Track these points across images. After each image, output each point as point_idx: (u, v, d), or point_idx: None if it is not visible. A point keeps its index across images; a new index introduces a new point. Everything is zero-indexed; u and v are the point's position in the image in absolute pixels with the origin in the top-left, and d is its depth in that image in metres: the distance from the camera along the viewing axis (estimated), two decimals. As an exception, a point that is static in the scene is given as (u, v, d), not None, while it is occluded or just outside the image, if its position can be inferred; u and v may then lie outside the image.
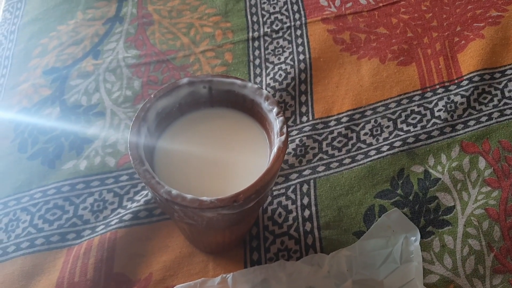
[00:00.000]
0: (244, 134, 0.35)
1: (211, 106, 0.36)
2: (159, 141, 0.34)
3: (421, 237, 0.40)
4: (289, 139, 0.46)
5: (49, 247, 0.41)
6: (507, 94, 0.47)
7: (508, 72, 0.49)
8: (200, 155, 0.34)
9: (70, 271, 0.39)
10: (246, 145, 0.35)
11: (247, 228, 0.39)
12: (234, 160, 0.34)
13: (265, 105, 0.33)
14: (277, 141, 0.32)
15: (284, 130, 0.32)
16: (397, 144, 0.45)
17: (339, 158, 0.45)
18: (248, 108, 0.35)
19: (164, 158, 0.34)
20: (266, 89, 0.49)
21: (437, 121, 0.46)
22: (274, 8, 0.55)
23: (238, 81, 0.34)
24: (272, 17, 0.54)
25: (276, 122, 0.33)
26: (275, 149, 0.31)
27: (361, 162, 0.45)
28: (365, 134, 0.46)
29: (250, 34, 0.53)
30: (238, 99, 0.35)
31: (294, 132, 0.47)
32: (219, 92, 0.35)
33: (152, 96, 0.33)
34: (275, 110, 0.33)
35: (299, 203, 0.43)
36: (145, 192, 0.43)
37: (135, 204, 0.42)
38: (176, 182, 0.32)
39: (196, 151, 0.34)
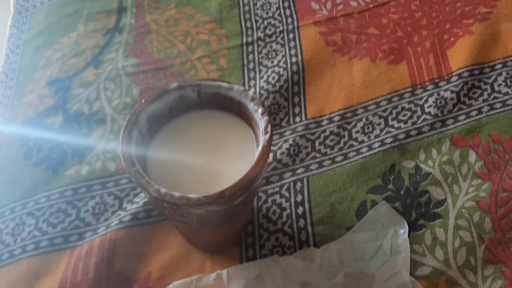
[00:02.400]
0: (232, 134, 0.36)
1: (201, 108, 0.37)
2: (151, 143, 0.36)
3: (413, 231, 0.41)
4: (283, 139, 0.48)
5: (53, 249, 0.42)
6: (496, 88, 0.48)
7: (498, 66, 0.49)
8: (191, 156, 0.36)
9: (72, 271, 0.41)
10: (235, 145, 0.36)
11: (240, 226, 0.41)
12: (223, 159, 0.35)
13: (251, 106, 0.35)
14: (262, 140, 0.33)
15: (269, 129, 0.33)
16: (388, 140, 0.46)
17: (332, 156, 0.46)
18: (236, 109, 0.36)
19: (156, 160, 0.35)
20: (260, 92, 0.51)
21: (428, 117, 0.47)
22: (267, 13, 0.56)
23: (225, 84, 0.36)
24: (265, 22, 0.56)
25: (261, 122, 0.34)
26: (259, 148, 0.33)
27: (353, 159, 0.46)
28: (357, 132, 0.47)
29: (244, 39, 0.55)
30: (226, 101, 0.36)
31: (288, 132, 0.48)
32: (207, 95, 0.36)
33: (143, 100, 0.35)
34: (260, 110, 0.34)
35: (292, 200, 0.44)
36: (143, 194, 0.45)
37: (134, 206, 0.44)
38: (168, 182, 0.33)
39: (186, 152, 0.36)
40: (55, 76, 0.54)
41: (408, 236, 0.40)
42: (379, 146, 0.46)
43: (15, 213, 0.45)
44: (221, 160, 0.35)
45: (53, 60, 0.56)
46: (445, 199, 0.43)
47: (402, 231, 0.39)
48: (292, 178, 0.45)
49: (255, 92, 0.50)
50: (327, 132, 0.48)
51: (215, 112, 0.37)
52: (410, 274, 0.38)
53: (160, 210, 0.33)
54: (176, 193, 0.30)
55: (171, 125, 0.37)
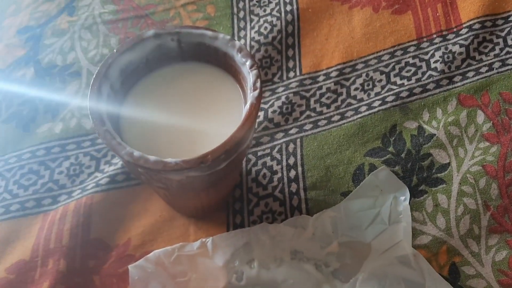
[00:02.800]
0: (217, 90, 0.32)
1: (182, 61, 0.33)
2: (125, 100, 0.32)
3: (413, 197, 0.38)
4: (275, 96, 0.44)
5: (25, 213, 0.39)
6: (510, 42, 0.44)
7: (512, 18, 0.45)
8: (170, 115, 0.32)
9: (45, 238, 0.38)
10: (220, 102, 0.32)
11: (226, 191, 0.37)
12: (206, 119, 0.32)
13: (238, 58, 0.31)
14: (250, 97, 0.29)
15: (258, 84, 0.29)
16: (390, 99, 0.42)
17: (328, 115, 0.43)
18: (221, 62, 0.32)
19: (130, 119, 0.31)
20: (250, 44, 0.46)
21: (433, 73, 0.43)
22: (260, -45, 0.51)
23: (209, 32, 0.31)
24: (258, -35, 0.50)
25: (249, 76, 0.30)
26: (247, 106, 0.29)
27: (350, 119, 0.42)
28: (356, 89, 0.43)
29: (234, -16, 0.49)
30: (210, 52, 0.32)
31: (281, 89, 0.44)
32: (189, 45, 0.32)
33: (114, 51, 0.31)
34: (248, 63, 0.30)
35: (284, 163, 0.41)
36: (122, 155, 0.41)
37: (112, 168, 0.40)
38: (143, 145, 0.30)
39: (166, 110, 0.32)
40: (26, 24, 0.49)
41: (409, 203, 0.37)
42: (380, 105, 0.42)
43: (-17, 174, 0.42)
44: (204, 119, 0.32)
45: (23, 6, 0.51)
46: (449, 163, 0.39)
47: (402, 198, 0.36)
48: (285, 139, 0.42)
49: (245, 44, 0.46)
50: (323, 89, 0.44)
51: (198, 65, 0.33)
52: (410, 244, 0.36)
53: (136, 175, 0.30)
54: (151, 157, 0.27)
55: (148, 79, 0.33)
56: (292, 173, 0.40)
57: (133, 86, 0.32)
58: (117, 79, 0.31)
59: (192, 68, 0.33)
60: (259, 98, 0.29)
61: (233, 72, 0.32)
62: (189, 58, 0.33)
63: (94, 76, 0.30)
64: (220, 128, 0.31)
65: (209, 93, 0.32)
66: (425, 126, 0.41)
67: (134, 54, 0.31)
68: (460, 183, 0.38)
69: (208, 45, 0.32)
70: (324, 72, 0.44)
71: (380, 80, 0.44)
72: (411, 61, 0.44)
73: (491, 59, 0.43)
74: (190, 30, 0.31)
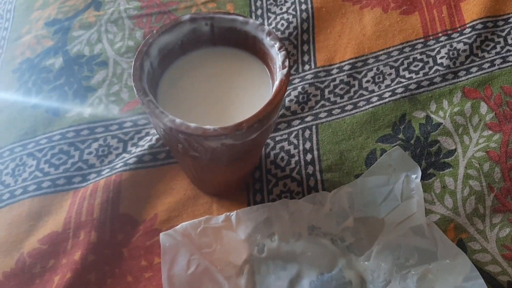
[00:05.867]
0: (246, 71, 0.35)
1: (213, 45, 0.36)
2: (162, 78, 0.35)
3: (422, 179, 0.41)
4: (292, 86, 0.46)
5: (56, 190, 0.41)
6: (510, 41, 0.47)
7: (512, 19, 0.48)
8: (203, 92, 0.35)
9: (76, 211, 0.40)
10: (249, 81, 0.35)
11: (249, 168, 0.40)
12: (237, 95, 0.34)
13: (267, 41, 0.34)
14: (279, 74, 0.32)
15: (286, 63, 0.32)
16: (399, 90, 0.45)
17: (341, 104, 0.45)
18: (250, 46, 0.35)
19: (167, 94, 0.34)
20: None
21: (440, 68, 0.46)
22: (276, -41, 0.54)
23: (240, 18, 0.34)
24: (274, -32, 0.54)
25: (278, 57, 0.33)
26: (277, 82, 0.32)
27: (363, 108, 0.45)
28: (367, 81, 0.46)
29: (252, -16, 0.53)
30: (240, 36, 0.35)
31: (297, 80, 0.47)
32: (221, 30, 0.35)
33: (154, 32, 0.33)
34: (277, 45, 0.33)
35: (301, 147, 0.43)
36: (149, 138, 0.44)
37: (139, 149, 0.43)
38: (180, 116, 0.32)
39: (199, 87, 0.35)
40: (54, 17, 0.52)
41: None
42: (390, 96, 0.45)
43: (15, 154, 0.44)
44: (235, 96, 0.34)
45: (51, 1, 0.53)
46: (455, 149, 0.42)
47: (414, 176, 0.38)
48: (301, 126, 0.44)
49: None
50: (337, 81, 0.47)
51: (228, 49, 0.36)
52: (420, 220, 0.38)
53: (173, 144, 0.32)
54: (192, 124, 0.29)
55: (182, 61, 0.36)
56: (309, 156, 0.43)
57: (168, 66, 0.35)
58: (155, 57, 0.33)
59: (222, 52, 0.36)
60: (287, 75, 0.32)
61: (261, 54, 0.35)
62: (220, 42, 0.36)
63: (136, 53, 0.32)
64: (250, 104, 0.33)
65: (239, 74, 0.35)
66: (432, 115, 0.44)
67: (171, 36, 0.34)
68: (465, 167, 0.41)
69: (239, 29, 0.34)
70: (337, 65, 0.47)
71: (390, 74, 0.47)
72: (418, 56, 0.47)
73: (492, 56, 0.47)
74: (223, 16, 0.34)
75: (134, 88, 0.31)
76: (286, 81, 0.31)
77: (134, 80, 0.31)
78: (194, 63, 0.36)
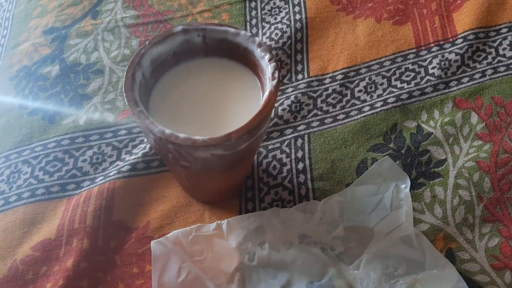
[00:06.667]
0: (237, 82, 0.36)
1: (206, 55, 0.37)
2: (155, 88, 0.35)
3: (412, 189, 0.41)
4: (285, 95, 0.47)
5: (50, 197, 0.42)
6: (501, 52, 0.48)
7: (503, 30, 0.49)
8: (195, 102, 0.35)
9: (70, 219, 0.40)
10: (240, 92, 0.35)
11: (241, 177, 0.40)
12: (228, 105, 0.35)
13: (258, 52, 0.34)
14: (269, 86, 0.32)
15: (276, 75, 0.33)
16: (391, 100, 0.46)
17: (333, 114, 0.46)
18: (242, 56, 0.36)
19: (159, 104, 0.35)
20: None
21: (431, 78, 0.47)
22: (271, -31, 0.55)
23: (232, 29, 0.35)
24: (269, -22, 0.54)
25: (268, 68, 0.33)
26: (266, 93, 0.32)
27: (355, 118, 0.45)
28: (360, 91, 0.47)
29: (247, -6, 0.53)
30: (232, 47, 0.35)
31: (290, 90, 0.47)
32: (213, 41, 0.35)
33: (146, 43, 0.34)
34: (267, 56, 0.33)
35: (293, 156, 0.44)
36: (143, 146, 0.44)
37: (133, 157, 0.43)
38: (171, 127, 0.33)
39: (191, 98, 0.35)
40: (51, 25, 0.53)
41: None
42: (382, 106, 0.46)
43: (10, 161, 0.44)
44: (225, 108, 0.35)
45: (49, 9, 0.54)
46: (445, 159, 0.43)
47: (403, 186, 0.39)
48: (293, 135, 0.45)
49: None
50: (330, 90, 0.47)
51: (220, 60, 0.36)
52: (409, 230, 0.38)
53: (163, 154, 0.33)
54: (181, 135, 0.30)
55: (174, 71, 0.36)
56: (300, 165, 0.43)
57: (161, 77, 0.35)
58: (148, 68, 0.34)
59: (214, 62, 0.36)
60: (277, 86, 0.32)
61: (252, 65, 0.35)
62: (212, 53, 0.36)
63: (128, 64, 0.33)
64: (240, 115, 0.34)
65: (230, 84, 0.36)
66: (423, 125, 0.44)
67: (164, 46, 0.34)
68: (455, 177, 0.42)
69: (230, 40, 0.35)
70: (330, 75, 0.48)
71: (382, 84, 0.47)
72: (410, 67, 0.48)
73: (484, 67, 0.47)
74: (215, 27, 0.35)
75: (125, 99, 0.31)
76: (276, 93, 0.32)
77: (125, 90, 0.31)
78: (187, 73, 0.36)
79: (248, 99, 0.35)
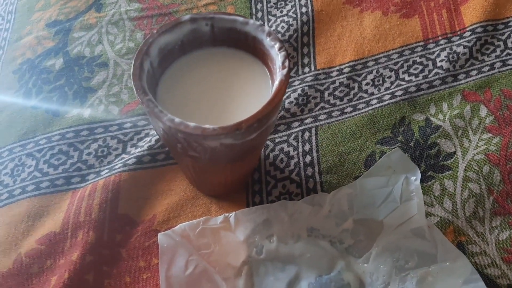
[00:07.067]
0: (246, 71, 0.35)
1: (214, 45, 0.36)
2: (162, 77, 0.35)
3: (422, 182, 0.41)
4: (291, 88, 0.46)
5: (55, 190, 0.41)
6: (510, 45, 0.47)
7: None
8: (203, 92, 0.35)
9: (75, 212, 0.40)
10: (248, 82, 0.35)
11: (248, 169, 0.40)
12: (237, 95, 0.34)
13: (267, 41, 0.34)
14: (279, 75, 0.32)
15: (286, 64, 0.32)
16: (399, 93, 0.45)
17: (341, 107, 0.45)
18: (250, 46, 0.35)
19: (167, 94, 0.34)
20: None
21: (439, 71, 0.46)
22: (276, -38, 0.55)
23: (240, 18, 0.34)
24: (275, -29, 0.54)
25: (278, 57, 0.33)
26: (277, 82, 0.32)
27: (362, 111, 0.45)
28: (367, 84, 0.46)
29: (253, -13, 0.53)
30: (240, 36, 0.35)
31: (296, 82, 0.47)
32: (221, 30, 0.35)
33: (154, 31, 0.33)
34: (277, 45, 0.33)
35: (300, 149, 0.43)
36: (148, 139, 0.44)
37: (138, 150, 0.43)
38: (179, 116, 0.32)
39: (199, 87, 0.35)
40: (55, 18, 0.52)
41: (419, 184, 0.40)
42: (389, 99, 0.45)
43: (14, 154, 0.44)
44: (234, 98, 0.34)
45: (52, 2, 0.54)
46: (454, 152, 0.42)
47: (413, 178, 0.38)
48: (300, 128, 0.44)
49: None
50: (337, 83, 0.47)
51: (228, 49, 0.36)
52: (419, 223, 0.38)
53: (172, 144, 0.32)
54: (191, 123, 0.29)
55: (182, 61, 0.36)
56: (308, 158, 0.43)
57: (169, 66, 0.35)
58: (156, 57, 0.33)
59: (222, 52, 0.36)
60: (287, 75, 0.32)
61: (261, 55, 0.35)
62: (220, 43, 0.36)
63: (136, 53, 0.32)
64: (249, 104, 0.33)
65: (239, 74, 0.35)
66: (432, 118, 0.44)
67: (172, 36, 0.34)
68: (465, 170, 0.41)
69: (239, 30, 0.35)
70: (337, 68, 0.48)
71: (390, 77, 0.47)
72: (418, 60, 0.47)
73: (492, 60, 0.47)
74: (223, 16, 0.34)
75: (134, 87, 0.31)
76: (286, 82, 0.31)
77: (133, 79, 0.31)
78: (194, 63, 0.36)
79: (256, 88, 0.34)
